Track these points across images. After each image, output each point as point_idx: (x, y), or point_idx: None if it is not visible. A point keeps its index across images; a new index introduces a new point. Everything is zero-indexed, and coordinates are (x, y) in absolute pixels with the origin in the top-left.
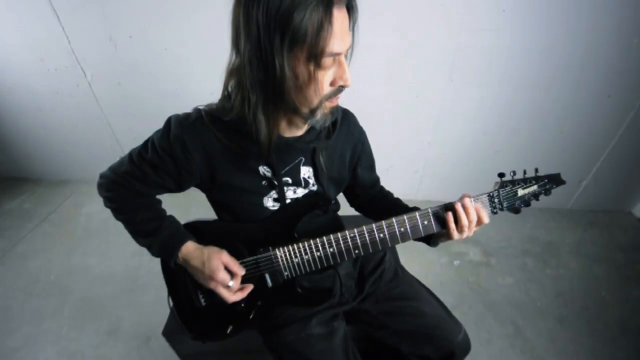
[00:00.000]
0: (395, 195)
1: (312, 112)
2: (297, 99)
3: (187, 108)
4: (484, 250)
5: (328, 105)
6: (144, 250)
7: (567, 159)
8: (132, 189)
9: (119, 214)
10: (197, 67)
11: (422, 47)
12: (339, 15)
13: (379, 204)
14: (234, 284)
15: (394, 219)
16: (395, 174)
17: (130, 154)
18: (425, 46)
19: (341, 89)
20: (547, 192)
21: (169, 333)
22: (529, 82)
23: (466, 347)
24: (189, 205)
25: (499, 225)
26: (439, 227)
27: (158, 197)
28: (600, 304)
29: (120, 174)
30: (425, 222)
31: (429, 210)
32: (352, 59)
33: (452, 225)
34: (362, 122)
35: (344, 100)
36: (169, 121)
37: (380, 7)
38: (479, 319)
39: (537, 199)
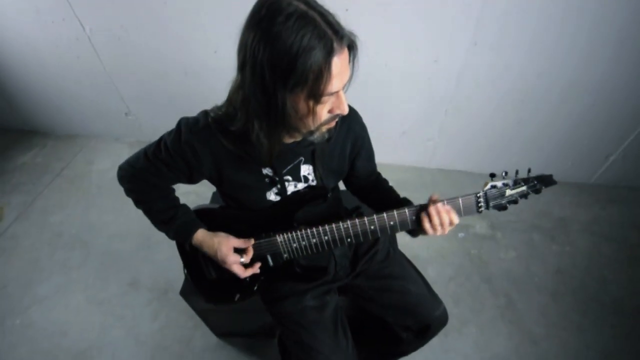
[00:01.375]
0: (409, 163)
1: (311, 133)
2: (296, 125)
3: (191, 66)
4: (491, 224)
5: (325, 128)
6: None
7: (596, 133)
8: (149, 182)
9: (139, 203)
10: (200, 20)
11: (444, 5)
12: (339, 60)
13: (372, 191)
14: (245, 259)
15: (384, 214)
16: (408, 141)
17: (146, 152)
18: (447, 4)
19: (338, 115)
20: (537, 192)
21: (185, 293)
22: (562, 48)
23: (443, 322)
24: None
25: None
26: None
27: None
28: (600, 283)
29: (138, 168)
30: (414, 217)
31: (419, 207)
32: (366, 21)
33: (427, 225)
34: (375, 86)
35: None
36: (179, 125)
37: None
38: (474, 290)
39: (526, 198)
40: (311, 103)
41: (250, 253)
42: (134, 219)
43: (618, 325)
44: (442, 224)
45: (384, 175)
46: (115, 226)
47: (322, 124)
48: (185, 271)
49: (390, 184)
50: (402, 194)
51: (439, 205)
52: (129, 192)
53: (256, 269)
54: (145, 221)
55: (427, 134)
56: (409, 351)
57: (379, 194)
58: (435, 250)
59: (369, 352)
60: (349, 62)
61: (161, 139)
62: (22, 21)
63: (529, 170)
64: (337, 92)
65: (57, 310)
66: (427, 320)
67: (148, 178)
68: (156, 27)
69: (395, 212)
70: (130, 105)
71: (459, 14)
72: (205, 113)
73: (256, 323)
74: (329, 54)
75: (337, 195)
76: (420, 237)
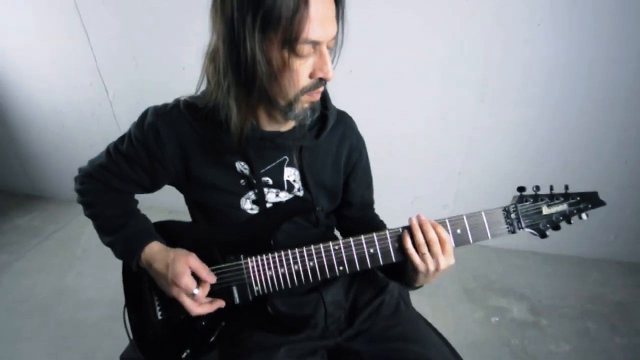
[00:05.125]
0: None
1: (290, 105)
2: (271, 88)
3: None
4: (531, 308)
5: (307, 99)
6: None
7: (633, 197)
8: (105, 182)
9: (87, 208)
10: None
11: (449, 63)
12: (319, 2)
13: (367, 230)
14: (200, 292)
15: (387, 232)
16: (421, 208)
17: (108, 147)
18: (452, 62)
19: (321, 82)
20: (581, 213)
21: (128, 358)
22: (577, 101)
23: None
24: None
25: (549, 277)
26: None
27: (136, 197)
28: None
29: (95, 166)
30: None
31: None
32: (370, 79)
33: (409, 244)
34: (382, 148)
35: (360, 121)
36: (146, 111)
37: (400, 18)
38: None
39: (569, 222)
40: (286, 53)
41: (207, 289)
42: (112, 284)
43: None
44: (428, 242)
45: None
46: (89, 292)
47: (302, 91)
48: (125, 310)
49: None
50: None
51: (420, 215)
52: (79, 195)
53: (214, 308)
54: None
55: (441, 199)
56: None
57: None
58: (464, 336)
59: None
60: (336, 16)
61: (127, 131)
62: (52, 87)
63: (567, 187)
64: (318, 43)
65: None
66: None
67: (105, 178)
68: (173, 89)
69: (401, 228)
70: None
71: (464, 69)
72: (177, 98)
73: None
74: None
75: (332, 224)
76: (442, 321)
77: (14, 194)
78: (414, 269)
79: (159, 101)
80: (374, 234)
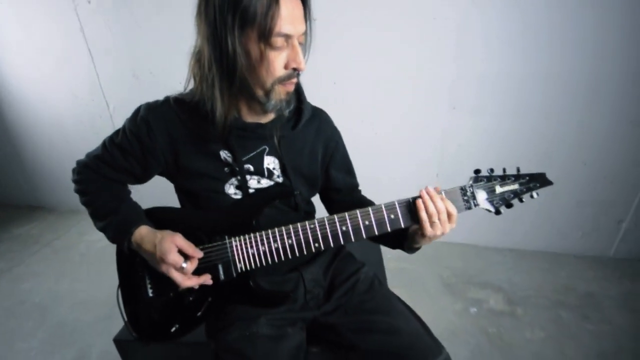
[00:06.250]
0: None
1: (267, 95)
2: (251, 78)
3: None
4: (507, 298)
5: (282, 89)
6: None
7: (599, 196)
8: (100, 172)
9: (83, 195)
10: None
11: (420, 75)
12: (289, 1)
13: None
14: (188, 265)
15: (357, 211)
16: None
17: (104, 140)
18: (423, 74)
19: (294, 72)
20: (532, 193)
21: (120, 341)
22: (542, 110)
23: None
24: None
25: (525, 271)
26: (407, 221)
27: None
28: None
29: (92, 158)
30: (392, 216)
31: (395, 203)
32: (353, 92)
33: (424, 214)
34: (365, 153)
35: (342, 129)
36: (139, 107)
37: (376, 36)
38: None
39: (521, 200)
40: (262, 46)
41: (195, 263)
42: (105, 287)
43: None
44: (439, 212)
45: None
46: (84, 294)
47: (278, 80)
48: (119, 292)
49: (390, 263)
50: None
51: (429, 188)
52: (75, 185)
53: (201, 280)
54: (115, 288)
55: None
56: None
57: None
58: (445, 326)
59: None
60: (304, 16)
61: (123, 125)
62: (59, 104)
63: (518, 169)
64: (290, 37)
65: None
66: None
67: (100, 168)
68: None
69: (370, 208)
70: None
71: (433, 82)
72: (167, 95)
73: None
74: None
75: (311, 211)
76: (424, 313)
77: (16, 205)
78: (422, 234)
79: None
80: (346, 214)
